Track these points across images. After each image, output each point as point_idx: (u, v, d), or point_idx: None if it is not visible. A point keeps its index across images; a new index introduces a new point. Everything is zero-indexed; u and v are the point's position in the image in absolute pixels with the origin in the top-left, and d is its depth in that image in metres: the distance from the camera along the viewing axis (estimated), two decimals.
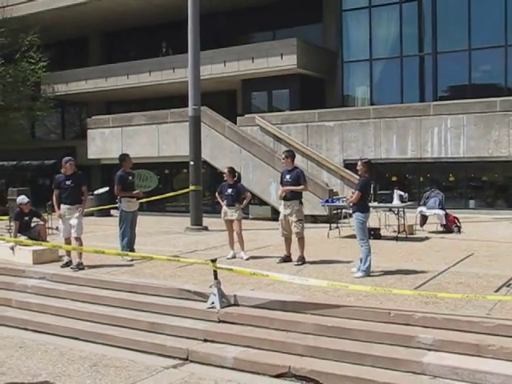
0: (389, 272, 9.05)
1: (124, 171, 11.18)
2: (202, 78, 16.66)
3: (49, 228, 14.42)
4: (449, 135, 17.95)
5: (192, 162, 15.87)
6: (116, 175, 11.13)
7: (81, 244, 10.41)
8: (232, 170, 11.12)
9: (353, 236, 12.87)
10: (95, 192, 21.67)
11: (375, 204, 13.11)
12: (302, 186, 10.10)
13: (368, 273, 8.86)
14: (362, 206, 9.08)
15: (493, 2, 19.45)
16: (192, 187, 15.85)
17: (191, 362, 6.93)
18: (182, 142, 19.49)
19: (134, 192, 11.20)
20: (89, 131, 23.48)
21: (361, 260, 9.01)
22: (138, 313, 8.25)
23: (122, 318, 8.14)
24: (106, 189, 21.45)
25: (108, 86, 26.67)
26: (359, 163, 9.32)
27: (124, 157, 11.48)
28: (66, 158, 10.72)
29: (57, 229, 15.41)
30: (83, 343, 7.74)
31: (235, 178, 11.18)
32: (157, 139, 21.12)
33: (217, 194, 11.31)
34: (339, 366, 6.26)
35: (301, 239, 10.15)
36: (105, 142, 22.71)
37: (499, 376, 5.65)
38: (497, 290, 7.67)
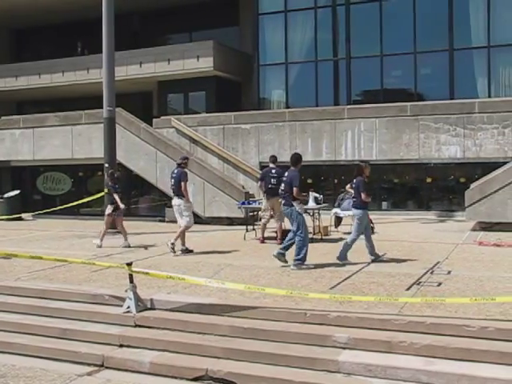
0: (305, 273, 9.17)
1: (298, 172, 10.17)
2: (116, 78, 16.34)
3: None
4: (362, 138, 18.37)
5: (107, 165, 15.54)
6: (292, 175, 9.85)
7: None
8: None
9: (268, 238, 13.05)
10: (5, 195, 20.86)
11: None
12: None
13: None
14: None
15: (403, 11, 20.11)
16: (106, 190, 15.51)
17: (107, 368, 6.79)
18: (96, 143, 19.06)
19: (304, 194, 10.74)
20: None
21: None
22: (50, 319, 7.99)
23: (31, 325, 7.86)
24: (17, 192, 20.68)
25: (18, 85, 25.79)
26: None
27: (300, 156, 10.32)
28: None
29: None
30: None
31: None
32: (70, 141, 20.52)
33: None
34: (256, 367, 6.29)
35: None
36: (15, 143, 21.85)
37: (409, 371, 5.87)
38: (408, 289, 7.91)
